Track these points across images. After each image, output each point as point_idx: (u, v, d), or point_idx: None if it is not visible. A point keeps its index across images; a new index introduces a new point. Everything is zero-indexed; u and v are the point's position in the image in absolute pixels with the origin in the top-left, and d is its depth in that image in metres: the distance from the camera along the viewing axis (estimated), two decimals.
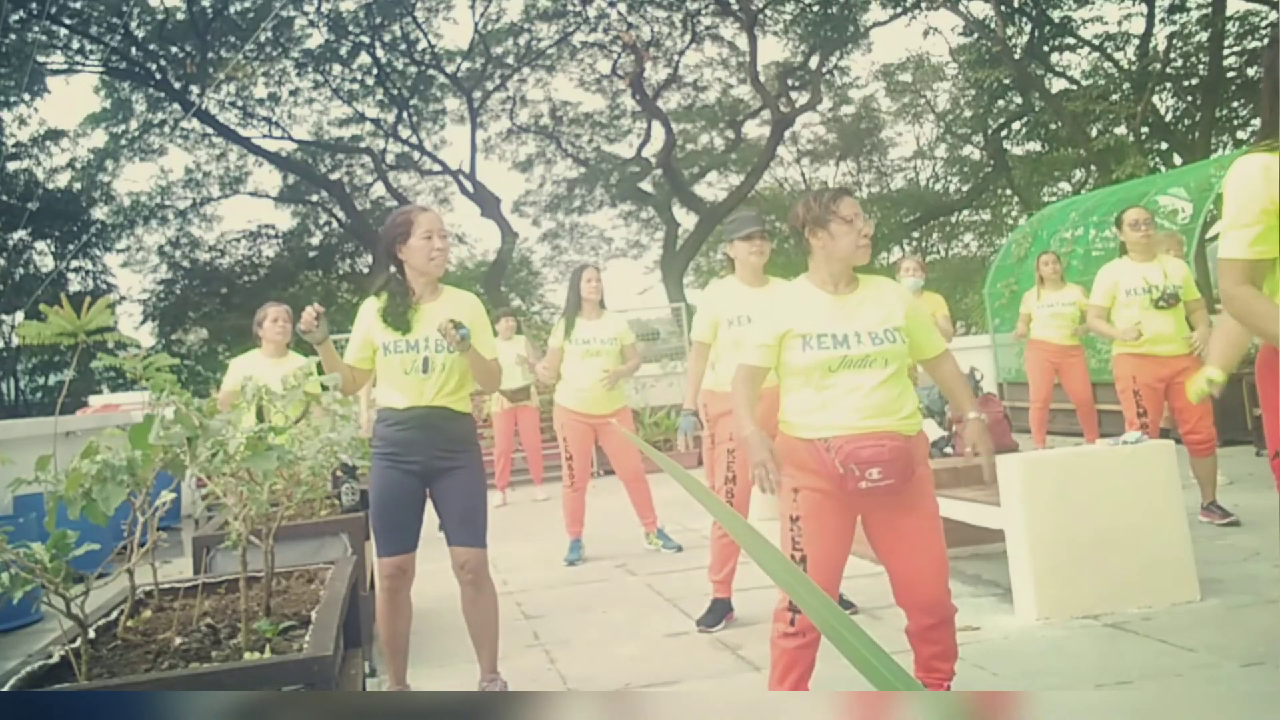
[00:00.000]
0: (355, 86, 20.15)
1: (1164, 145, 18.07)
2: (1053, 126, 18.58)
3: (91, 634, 1.79)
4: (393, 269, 3.25)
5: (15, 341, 18.29)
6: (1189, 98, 17.62)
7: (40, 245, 19.92)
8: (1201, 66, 17.01)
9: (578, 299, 5.42)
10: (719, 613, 3.98)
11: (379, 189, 21.32)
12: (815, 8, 19.04)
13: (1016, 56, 17.19)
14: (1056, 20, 18.04)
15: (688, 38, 19.96)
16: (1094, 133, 16.99)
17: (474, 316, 3.22)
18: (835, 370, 2.59)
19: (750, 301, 3.88)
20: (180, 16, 17.66)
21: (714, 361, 4.06)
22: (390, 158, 21.06)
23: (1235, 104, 17.96)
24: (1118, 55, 18.20)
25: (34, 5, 15.90)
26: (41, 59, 17.32)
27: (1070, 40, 18.45)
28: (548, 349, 5.54)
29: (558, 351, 5.43)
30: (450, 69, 19.95)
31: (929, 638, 2.71)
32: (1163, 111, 17.88)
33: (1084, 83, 18.30)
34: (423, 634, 3.99)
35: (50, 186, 19.53)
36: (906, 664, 2.97)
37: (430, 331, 3.13)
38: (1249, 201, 2.24)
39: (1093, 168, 18.06)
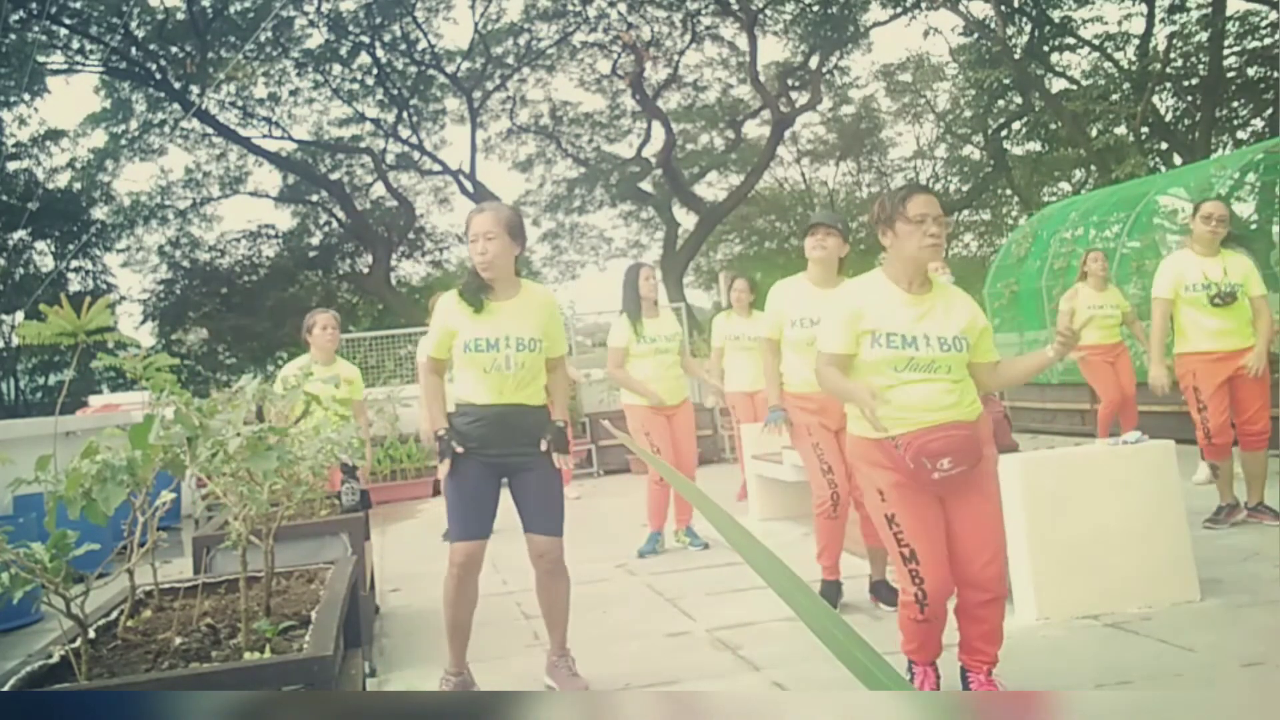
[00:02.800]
0: (355, 86, 20.16)
1: (1164, 145, 18.08)
2: (1053, 126, 18.58)
3: (91, 634, 1.79)
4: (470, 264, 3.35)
5: (15, 341, 18.29)
6: (1189, 98, 17.63)
7: (40, 245, 19.95)
8: (1201, 66, 17.02)
9: (637, 298, 5.43)
10: (832, 593, 4.13)
11: (379, 189, 21.35)
12: (815, 8, 19.05)
13: (1016, 56, 17.20)
14: (1056, 20, 18.05)
15: (688, 38, 19.98)
16: (1094, 133, 17.00)
17: (548, 316, 3.33)
18: (900, 370, 2.68)
19: (816, 303, 3.91)
20: (180, 16, 17.66)
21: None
22: (390, 158, 21.08)
23: (1235, 104, 17.97)
24: (1118, 55, 18.21)
25: (34, 5, 15.91)
26: (41, 59, 17.33)
27: (1070, 40, 18.46)
28: (612, 349, 5.48)
29: (621, 352, 5.42)
30: (450, 69, 19.96)
31: (979, 615, 2.78)
32: (1163, 111, 17.89)
33: (1084, 83, 18.31)
34: (430, 634, 3.99)
35: (50, 186, 19.54)
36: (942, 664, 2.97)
37: (510, 329, 3.21)
38: None
39: (1093, 168, 18.07)
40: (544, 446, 3.23)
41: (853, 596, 4.18)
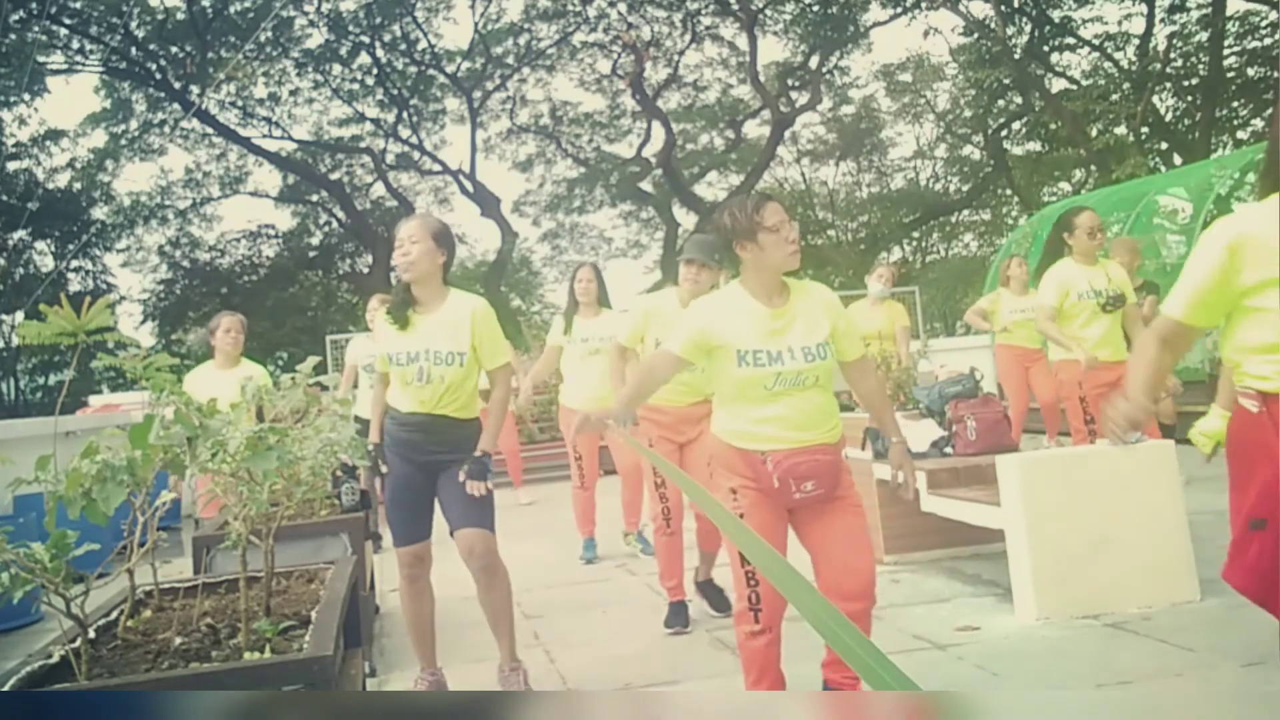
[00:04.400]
0: (355, 86, 20.17)
1: (1164, 145, 18.08)
2: (1053, 126, 18.58)
3: (91, 634, 1.79)
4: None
5: (15, 341, 18.29)
6: (1189, 98, 17.63)
7: (40, 245, 19.93)
8: (1201, 66, 17.02)
9: (574, 298, 5.44)
10: (681, 615, 4.00)
11: (379, 189, 21.36)
12: (815, 8, 19.05)
13: (1016, 56, 17.20)
14: (1056, 20, 18.05)
15: (688, 38, 19.98)
16: (1094, 133, 17.00)
17: (474, 328, 3.22)
18: (770, 387, 2.61)
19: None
20: (180, 16, 17.66)
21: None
22: (390, 158, 21.08)
23: (1235, 104, 17.97)
24: (1118, 55, 18.21)
25: (34, 5, 15.91)
26: (41, 59, 17.33)
27: (1070, 40, 18.47)
28: (546, 348, 5.55)
29: (555, 350, 5.45)
30: (450, 69, 19.96)
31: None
32: (1163, 111, 17.89)
33: (1084, 83, 18.32)
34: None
35: (50, 186, 19.54)
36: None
37: (429, 342, 3.17)
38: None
39: (1093, 168, 18.06)
40: (461, 477, 3.16)
41: None
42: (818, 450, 2.63)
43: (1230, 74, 16.98)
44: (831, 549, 2.68)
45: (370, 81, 19.97)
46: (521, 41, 20.06)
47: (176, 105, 18.55)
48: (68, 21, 17.48)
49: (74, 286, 19.44)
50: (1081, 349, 4.74)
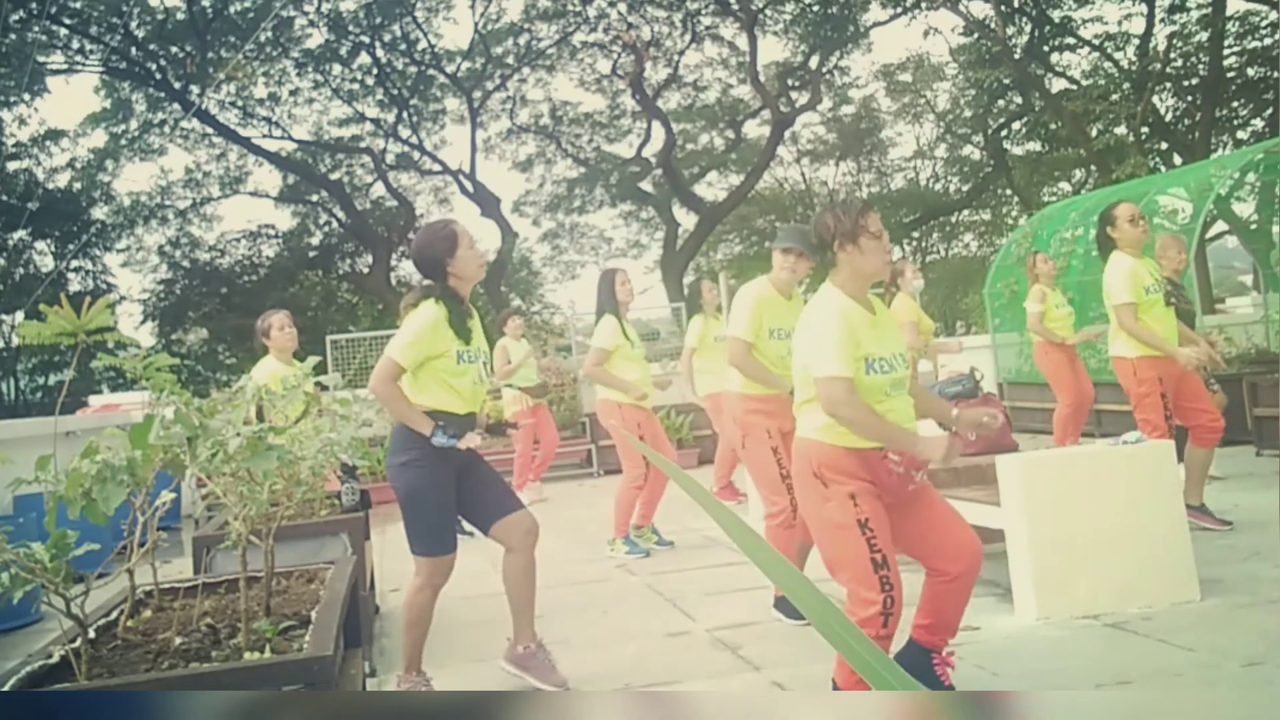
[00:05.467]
0: (355, 86, 20.15)
1: (1164, 145, 18.07)
2: (1053, 126, 18.58)
3: (91, 634, 1.79)
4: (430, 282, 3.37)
5: (15, 341, 18.29)
6: (1189, 98, 17.63)
7: (40, 245, 19.93)
8: (1201, 66, 17.02)
9: (615, 302, 5.43)
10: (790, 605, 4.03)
11: (379, 189, 21.34)
12: (815, 8, 19.04)
13: (1016, 56, 17.20)
14: (1056, 20, 18.04)
15: (688, 38, 19.97)
16: (1094, 133, 16.99)
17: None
18: (889, 393, 2.72)
19: (787, 316, 3.94)
20: (180, 16, 17.65)
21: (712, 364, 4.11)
22: (390, 158, 21.06)
23: (1235, 104, 17.97)
24: (1118, 55, 18.20)
25: (34, 5, 15.90)
26: (41, 59, 17.33)
27: (1070, 40, 18.46)
28: (598, 349, 5.41)
29: (607, 353, 5.38)
30: (450, 69, 19.95)
31: (957, 587, 2.79)
32: (1163, 111, 17.88)
33: (1084, 83, 18.31)
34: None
35: (50, 186, 19.54)
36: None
37: (481, 342, 3.35)
38: None
39: (1093, 168, 18.07)
40: (479, 440, 3.31)
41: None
42: None
43: (1230, 74, 16.98)
44: (944, 531, 2.80)
45: (370, 81, 19.96)
46: (521, 41, 20.06)
47: (176, 105, 18.54)
48: (68, 21, 17.47)
49: (74, 286, 19.45)
50: (1175, 349, 4.70)
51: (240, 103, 19.70)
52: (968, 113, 21.86)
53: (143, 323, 20.62)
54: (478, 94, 20.14)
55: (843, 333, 2.66)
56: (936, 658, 2.88)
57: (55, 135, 19.57)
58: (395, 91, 19.97)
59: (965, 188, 23.79)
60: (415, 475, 3.18)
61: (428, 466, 3.17)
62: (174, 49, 18.06)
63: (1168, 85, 17.61)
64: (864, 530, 2.66)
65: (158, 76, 18.37)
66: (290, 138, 20.39)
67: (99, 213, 20.27)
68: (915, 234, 25.03)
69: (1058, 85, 18.72)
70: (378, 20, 18.77)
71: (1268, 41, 16.50)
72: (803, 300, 4.14)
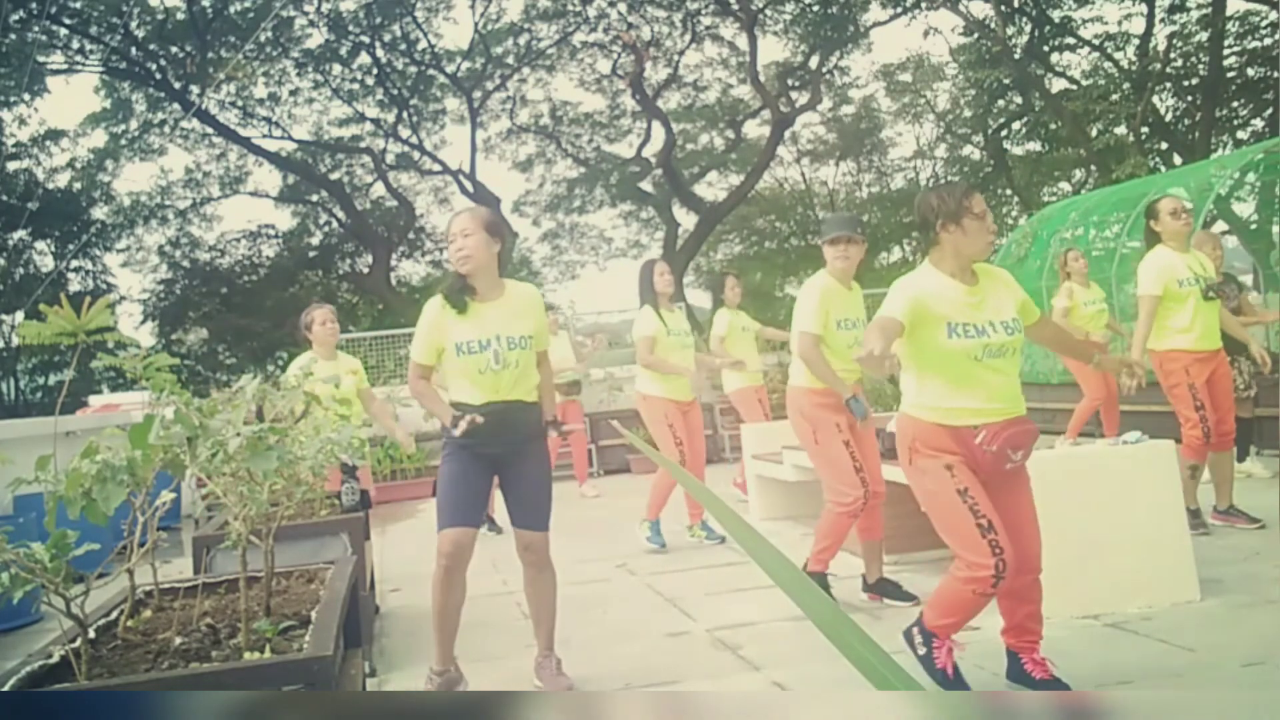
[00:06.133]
0: (355, 86, 20.15)
1: (1164, 145, 18.07)
2: (1053, 126, 18.58)
3: (91, 634, 1.79)
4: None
5: (15, 341, 18.29)
6: (1189, 98, 17.63)
7: (40, 245, 19.93)
8: (1201, 66, 17.02)
9: (654, 292, 5.54)
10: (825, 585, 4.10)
11: (379, 189, 21.34)
12: (815, 8, 19.04)
13: (1016, 56, 17.20)
14: (1056, 20, 18.05)
15: (688, 38, 19.97)
16: (1094, 133, 17.00)
17: (535, 313, 3.37)
18: (980, 358, 2.75)
19: (851, 305, 4.04)
20: (180, 16, 17.65)
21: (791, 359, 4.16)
22: (390, 158, 21.06)
23: (1235, 104, 17.97)
24: (1118, 55, 18.21)
25: (34, 5, 15.90)
26: (41, 59, 17.32)
27: (1070, 40, 18.47)
28: (643, 338, 5.50)
29: (652, 340, 5.46)
30: (450, 69, 19.95)
31: (1030, 595, 2.90)
32: (1163, 111, 17.88)
33: (1084, 83, 18.31)
34: (431, 634, 3.98)
35: (50, 186, 19.53)
36: (907, 664, 2.96)
37: (500, 328, 3.25)
38: None
39: (1093, 168, 18.07)
40: (553, 434, 3.43)
41: (849, 596, 4.18)
42: (1023, 420, 2.82)
43: (1230, 74, 16.98)
44: (1023, 523, 2.86)
45: (370, 81, 19.95)
46: (521, 41, 20.05)
47: (176, 105, 18.54)
48: (68, 21, 17.47)
49: (74, 286, 19.44)
50: (1138, 349, 4.72)
51: (240, 103, 19.70)
52: (968, 113, 21.85)
53: (143, 323, 20.63)
54: (478, 94, 20.14)
55: (906, 294, 2.78)
56: (1025, 658, 2.95)
57: (55, 135, 19.57)
58: (395, 91, 19.97)
59: None
60: (443, 462, 3.31)
61: (452, 454, 3.29)
62: (174, 49, 18.05)
63: (1168, 85, 17.61)
64: (964, 498, 2.75)
65: (158, 76, 18.37)
66: (290, 138, 20.40)
67: (99, 213, 20.27)
68: (915, 234, 24.99)
69: (1058, 85, 18.73)
70: (378, 20, 18.77)
71: (1268, 41, 16.50)
72: (862, 291, 4.24)
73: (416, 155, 21.33)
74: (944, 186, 2.94)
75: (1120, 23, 17.99)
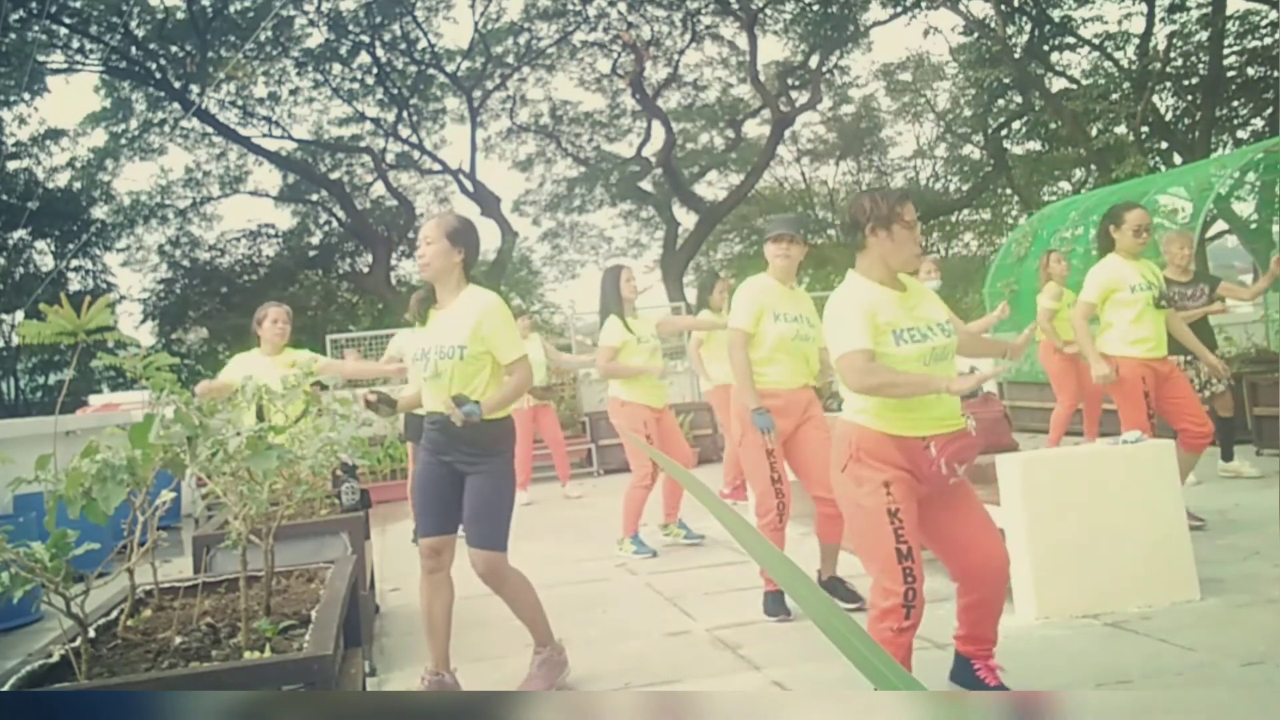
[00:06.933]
0: (355, 86, 20.14)
1: (1164, 145, 18.06)
2: (1053, 126, 18.57)
3: (91, 633, 1.79)
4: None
5: (15, 341, 18.28)
6: (1189, 97, 17.62)
7: (40, 245, 19.92)
8: (1201, 66, 17.01)
9: (619, 299, 5.42)
10: (780, 603, 4.01)
11: (379, 188, 21.33)
12: (815, 7, 19.03)
13: (1016, 56, 17.19)
14: (1056, 20, 18.04)
15: (688, 37, 19.96)
16: (1094, 132, 16.99)
17: (479, 322, 3.18)
18: (927, 364, 2.66)
19: (791, 302, 3.99)
20: (180, 16, 17.64)
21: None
22: (390, 157, 21.05)
23: (1235, 104, 17.95)
24: (1118, 55, 18.19)
25: (34, 5, 15.89)
26: (41, 58, 17.31)
27: (1070, 40, 18.45)
28: (605, 348, 5.42)
29: (615, 350, 5.38)
30: (450, 68, 19.94)
31: (988, 599, 2.83)
32: (1163, 111, 17.87)
33: (1084, 82, 18.29)
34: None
35: (50, 186, 19.51)
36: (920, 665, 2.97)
37: (437, 338, 3.22)
38: None
39: (1093, 167, 18.06)
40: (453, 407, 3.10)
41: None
42: (967, 434, 2.73)
43: (1230, 74, 16.96)
44: (971, 536, 2.78)
45: (370, 81, 19.94)
46: (521, 41, 20.04)
47: (176, 105, 18.52)
48: (68, 21, 17.46)
49: (74, 286, 19.43)
50: (1099, 363, 4.71)
51: (240, 102, 19.68)
52: (968, 112, 21.84)
53: (143, 322, 20.63)
54: (478, 93, 20.13)
55: (856, 310, 2.66)
56: (977, 664, 2.92)
57: (55, 135, 19.56)
58: (395, 91, 19.96)
59: (965, 187, 23.76)
60: (412, 467, 3.39)
61: (419, 460, 3.40)
62: (174, 48, 18.04)
63: (1168, 85, 17.60)
64: (893, 520, 2.65)
65: (158, 76, 18.36)
66: (290, 137, 20.38)
67: (99, 212, 20.26)
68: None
69: (1058, 85, 18.71)
70: (378, 20, 18.76)
71: (1268, 41, 16.49)
72: (805, 291, 4.21)
73: (416, 155, 21.33)
74: (879, 190, 2.84)
75: (1120, 22, 17.98)
